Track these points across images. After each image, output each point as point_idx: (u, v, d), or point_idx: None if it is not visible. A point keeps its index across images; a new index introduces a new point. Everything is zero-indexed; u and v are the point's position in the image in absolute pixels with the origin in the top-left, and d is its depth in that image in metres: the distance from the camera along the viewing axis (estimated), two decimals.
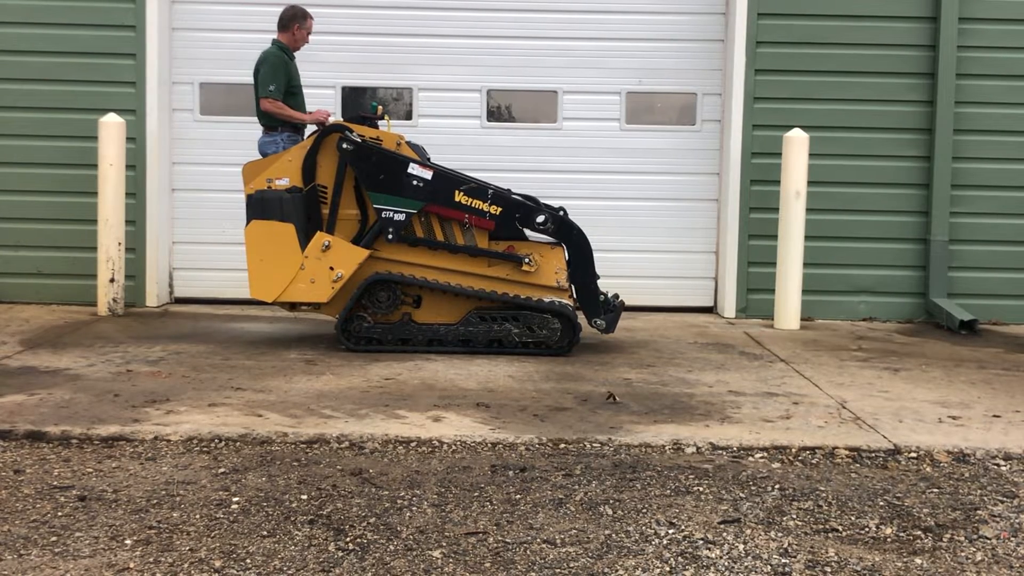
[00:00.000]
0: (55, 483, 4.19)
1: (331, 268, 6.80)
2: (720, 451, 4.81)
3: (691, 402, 5.68)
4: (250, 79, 7.37)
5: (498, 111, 9.06)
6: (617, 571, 3.41)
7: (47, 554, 3.46)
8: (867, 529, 3.86)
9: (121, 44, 8.55)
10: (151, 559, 3.43)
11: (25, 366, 6.25)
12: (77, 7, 8.55)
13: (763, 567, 3.46)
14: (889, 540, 3.76)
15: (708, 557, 3.54)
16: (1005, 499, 4.24)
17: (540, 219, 6.92)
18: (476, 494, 4.13)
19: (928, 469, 4.65)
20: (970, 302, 8.66)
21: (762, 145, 8.66)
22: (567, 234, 6.99)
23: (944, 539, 3.78)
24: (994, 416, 5.53)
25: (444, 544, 3.61)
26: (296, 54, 7.45)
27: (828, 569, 3.46)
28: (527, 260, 6.88)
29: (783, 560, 3.53)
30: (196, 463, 4.48)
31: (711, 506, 4.05)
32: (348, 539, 3.63)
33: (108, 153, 8.06)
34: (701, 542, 3.67)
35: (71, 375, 6.02)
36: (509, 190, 7.12)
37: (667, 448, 4.82)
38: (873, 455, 4.80)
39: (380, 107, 7.24)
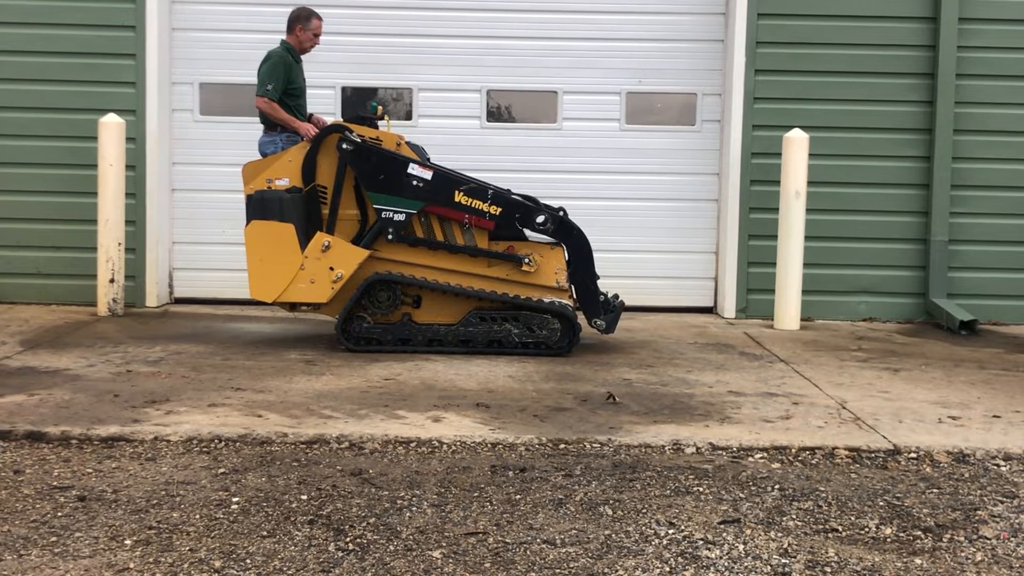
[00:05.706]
0: (55, 483, 4.19)
1: (331, 268, 6.80)
2: (720, 451, 4.81)
3: (691, 402, 5.68)
4: (250, 79, 7.37)
5: (498, 111, 9.06)
6: (617, 571, 3.41)
7: (47, 554, 3.46)
8: (867, 529, 3.86)
9: (121, 44, 8.55)
10: (151, 559, 3.43)
11: (25, 366, 6.25)
12: (77, 7, 8.55)
13: (763, 567, 3.46)
14: (889, 540, 3.76)
15: (708, 557, 3.54)
16: (1005, 499, 4.24)
17: (540, 219, 6.93)
18: (476, 494, 4.13)
19: (928, 469, 4.65)
20: (970, 302, 8.66)
21: (762, 145, 8.66)
22: (567, 234, 6.99)
23: (944, 539, 3.78)
24: (994, 416, 5.53)
25: (444, 544, 3.61)
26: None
27: (828, 569, 3.46)
28: (527, 260, 6.88)
29: (783, 560, 3.52)
30: (196, 463, 4.48)
31: (711, 506, 4.05)
32: (348, 539, 3.63)
33: (108, 153, 8.06)
34: (701, 542, 3.67)
35: (71, 375, 6.02)
36: (509, 190, 7.12)
37: (667, 448, 4.82)
38: (873, 455, 4.81)
39: (380, 107, 7.23)
